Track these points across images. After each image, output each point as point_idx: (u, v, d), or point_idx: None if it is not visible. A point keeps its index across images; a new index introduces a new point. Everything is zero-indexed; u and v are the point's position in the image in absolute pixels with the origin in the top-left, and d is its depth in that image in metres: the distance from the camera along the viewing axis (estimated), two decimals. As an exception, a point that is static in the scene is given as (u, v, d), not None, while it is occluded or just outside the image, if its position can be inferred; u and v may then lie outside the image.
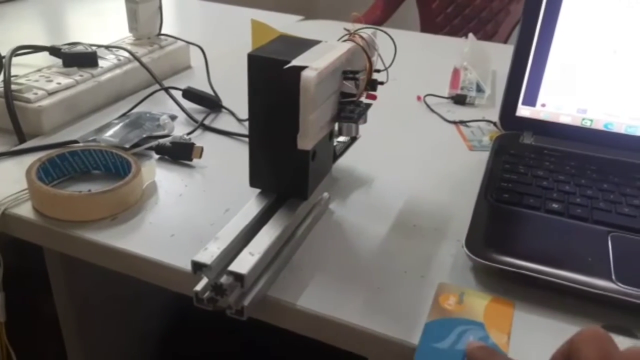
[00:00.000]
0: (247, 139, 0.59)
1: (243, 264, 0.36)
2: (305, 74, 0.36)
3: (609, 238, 0.42)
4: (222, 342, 0.81)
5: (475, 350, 0.34)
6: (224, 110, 0.66)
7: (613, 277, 0.38)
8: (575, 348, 0.29)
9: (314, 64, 0.37)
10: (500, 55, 0.81)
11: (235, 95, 0.66)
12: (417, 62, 0.85)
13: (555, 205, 0.46)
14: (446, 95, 0.73)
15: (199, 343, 0.82)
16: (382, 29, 0.48)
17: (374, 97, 0.45)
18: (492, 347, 0.35)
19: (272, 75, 0.39)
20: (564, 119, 0.58)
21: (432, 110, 0.69)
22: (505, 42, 1.50)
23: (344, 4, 1.81)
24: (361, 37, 0.45)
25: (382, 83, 0.46)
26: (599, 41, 0.55)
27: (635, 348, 0.30)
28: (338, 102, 0.43)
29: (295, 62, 0.38)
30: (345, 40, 0.44)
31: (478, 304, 0.39)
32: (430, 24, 1.63)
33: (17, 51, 0.65)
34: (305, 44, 0.42)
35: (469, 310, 0.38)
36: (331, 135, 0.46)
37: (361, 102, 0.44)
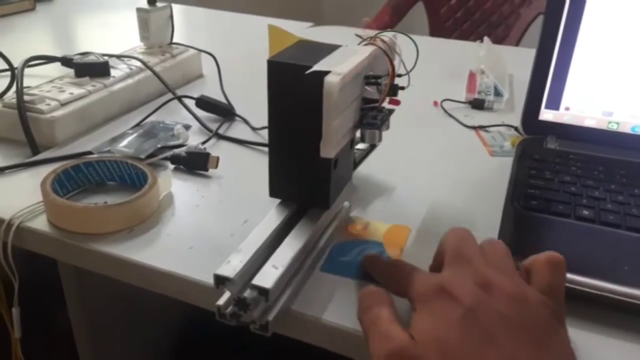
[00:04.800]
0: (262, 148, 0.58)
1: (267, 277, 0.35)
2: (328, 79, 0.35)
3: (645, 245, 0.41)
4: (234, 357, 0.80)
5: (366, 256, 0.41)
6: (237, 118, 0.65)
7: (652, 286, 0.37)
8: (441, 243, 0.36)
9: (337, 69, 0.36)
10: (515, 58, 0.80)
11: (248, 103, 0.65)
12: (431, 66, 0.84)
13: (585, 212, 0.44)
14: (463, 99, 0.71)
15: (211, 357, 0.81)
16: (404, 33, 0.47)
17: (397, 103, 0.44)
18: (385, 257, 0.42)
19: (293, 81, 0.37)
20: (589, 123, 0.56)
21: (450, 116, 0.68)
22: (516, 45, 1.48)
23: (349, 10, 1.80)
24: (382, 40, 0.43)
25: (402, 88, 0.45)
26: (624, 42, 0.53)
27: (490, 239, 0.36)
28: (360, 108, 0.42)
29: (317, 67, 0.36)
30: (366, 44, 0.43)
31: (379, 229, 0.45)
32: (440, 29, 1.61)
33: (29, 62, 0.64)
34: (325, 49, 0.41)
35: (372, 234, 0.44)
36: (352, 143, 0.45)
37: (384, 107, 0.43)
